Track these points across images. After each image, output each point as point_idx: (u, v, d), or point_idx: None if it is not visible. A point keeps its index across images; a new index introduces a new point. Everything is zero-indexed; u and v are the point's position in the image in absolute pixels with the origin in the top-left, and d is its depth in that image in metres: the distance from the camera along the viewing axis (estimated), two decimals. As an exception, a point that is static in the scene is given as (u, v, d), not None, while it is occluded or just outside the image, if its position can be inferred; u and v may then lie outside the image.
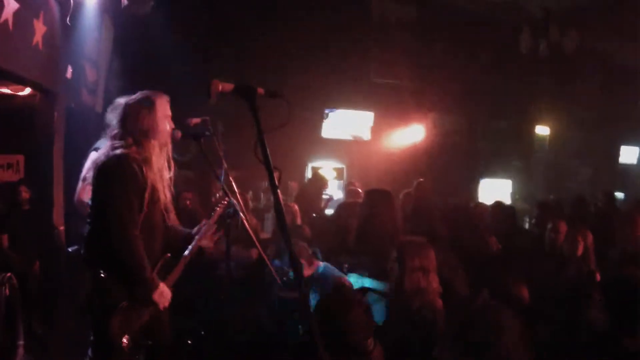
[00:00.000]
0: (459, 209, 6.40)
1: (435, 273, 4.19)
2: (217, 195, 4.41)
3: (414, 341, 3.84)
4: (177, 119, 4.08)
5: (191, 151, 6.75)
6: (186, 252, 4.11)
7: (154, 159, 3.79)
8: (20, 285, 5.49)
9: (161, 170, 3.85)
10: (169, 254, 3.96)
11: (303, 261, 4.96)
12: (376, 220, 5.25)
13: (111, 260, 3.61)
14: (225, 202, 4.35)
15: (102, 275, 3.63)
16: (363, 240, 5.31)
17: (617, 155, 16.03)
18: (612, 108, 14.58)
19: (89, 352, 3.79)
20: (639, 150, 16.17)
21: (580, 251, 6.28)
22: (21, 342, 5.39)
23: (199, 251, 4.25)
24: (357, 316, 3.38)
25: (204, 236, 4.19)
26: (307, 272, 5.06)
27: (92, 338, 3.76)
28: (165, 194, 3.91)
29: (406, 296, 4.09)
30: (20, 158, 7.65)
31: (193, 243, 4.15)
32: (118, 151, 3.68)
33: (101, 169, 3.72)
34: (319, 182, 9.30)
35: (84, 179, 5.44)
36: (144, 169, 3.69)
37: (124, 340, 3.63)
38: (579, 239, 6.33)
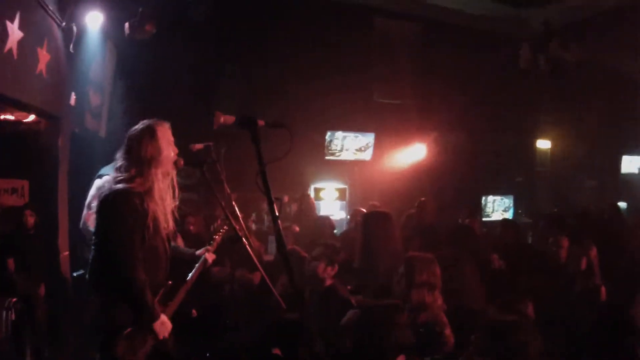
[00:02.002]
0: (462, 226, 6.41)
1: (440, 291, 4.22)
2: (217, 223, 4.44)
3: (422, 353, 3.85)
4: (180, 142, 4.12)
5: (195, 175, 6.79)
6: (187, 278, 4.16)
7: (157, 188, 3.82)
8: (26, 308, 5.52)
9: (164, 198, 3.88)
10: (170, 282, 3.99)
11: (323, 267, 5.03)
12: (376, 242, 5.27)
13: (114, 289, 3.66)
14: (224, 231, 4.40)
15: (106, 301, 3.68)
16: (366, 262, 5.33)
17: (619, 165, 16.00)
18: (612, 119, 14.58)
19: None
20: (641, 160, 16.15)
21: (583, 266, 6.27)
22: (28, 365, 5.42)
23: (204, 273, 4.29)
24: (399, 332, 3.43)
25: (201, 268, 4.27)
26: (325, 276, 5.10)
27: None
28: (168, 222, 3.94)
29: (412, 310, 4.11)
30: (25, 183, 7.72)
31: (193, 272, 4.21)
32: (120, 186, 3.72)
33: (103, 204, 3.76)
34: (305, 204, 9.29)
35: (89, 207, 5.49)
36: (145, 201, 3.73)
37: None
38: (582, 253, 6.32)
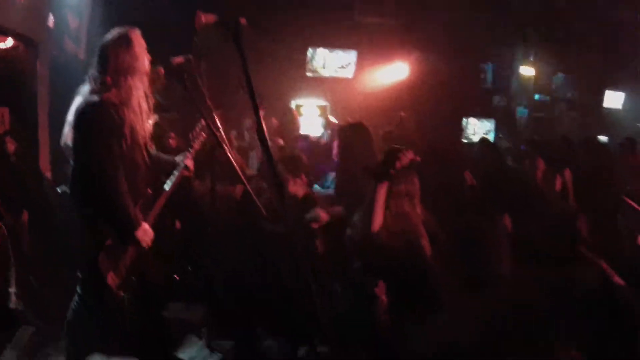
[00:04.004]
0: (437, 144, 6.41)
1: (419, 200, 4.26)
2: (196, 129, 4.44)
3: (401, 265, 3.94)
4: (161, 60, 4.11)
5: (175, 93, 6.75)
6: (166, 187, 4.18)
7: (133, 97, 3.81)
8: (10, 236, 5.53)
9: (140, 107, 3.88)
10: (150, 191, 4.04)
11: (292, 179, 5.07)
12: (354, 154, 5.26)
13: (95, 201, 3.70)
14: (203, 138, 4.43)
15: (88, 214, 3.74)
16: (343, 175, 5.34)
17: (602, 100, 16.09)
18: (598, 55, 14.60)
19: (78, 288, 3.91)
20: (624, 96, 16.20)
21: (558, 186, 6.39)
22: (13, 290, 5.44)
23: (185, 186, 4.33)
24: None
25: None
26: (296, 189, 5.14)
27: (80, 275, 3.88)
28: (145, 131, 3.96)
29: (390, 220, 4.10)
30: (5, 110, 7.64)
31: (172, 179, 4.22)
32: (95, 97, 3.71)
33: (79, 117, 3.77)
34: (288, 118, 9.17)
35: (70, 123, 5.48)
36: (121, 111, 3.73)
37: (110, 277, 3.72)
38: (557, 175, 6.44)
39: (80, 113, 3.76)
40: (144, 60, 3.89)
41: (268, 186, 5.33)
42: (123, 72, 3.77)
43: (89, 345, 4.00)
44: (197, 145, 4.45)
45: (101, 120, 3.67)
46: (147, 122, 3.98)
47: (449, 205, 5.18)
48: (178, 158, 4.37)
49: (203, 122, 4.26)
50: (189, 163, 4.34)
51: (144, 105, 3.93)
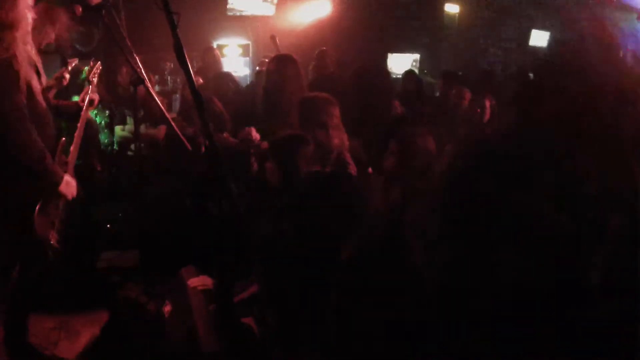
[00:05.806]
0: (363, 73, 6.35)
1: (342, 129, 4.26)
2: (90, 64, 4.35)
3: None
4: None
5: (93, 40, 6.57)
6: (75, 131, 4.10)
7: (21, 51, 3.59)
8: None
9: (30, 59, 3.70)
10: (63, 138, 3.92)
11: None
12: (285, 85, 5.18)
13: (12, 161, 3.53)
14: (98, 70, 4.41)
15: (10, 179, 3.57)
16: (272, 106, 5.30)
17: (527, 38, 16.31)
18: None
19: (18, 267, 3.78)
20: (549, 35, 16.47)
21: (487, 116, 6.50)
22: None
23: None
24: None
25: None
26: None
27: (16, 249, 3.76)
28: (41, 82, 3.81)
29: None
30: None
31: (80, 120, 4.15)
32: None
33: None
34: (209, 57, 8.93)
35: None
36: (12, 64, 3.52)
37: (52, 236, 3.68)
38: (484, 104, 6.55)
39: None
40: (27, 15, 3.64)
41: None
42: (7, 27, 3.51)
43: (30, 305, 3.96)
44: (95, 78, 4.40)
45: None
46: (40, 75, 3.81)
47: (376, 133, 5.20)
48: (80, 98, 4.26)
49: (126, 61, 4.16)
50: (95, 97, 4.28)
51: (34, 58, 3.76)
